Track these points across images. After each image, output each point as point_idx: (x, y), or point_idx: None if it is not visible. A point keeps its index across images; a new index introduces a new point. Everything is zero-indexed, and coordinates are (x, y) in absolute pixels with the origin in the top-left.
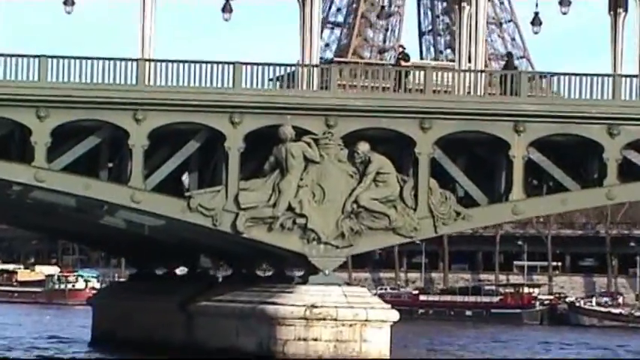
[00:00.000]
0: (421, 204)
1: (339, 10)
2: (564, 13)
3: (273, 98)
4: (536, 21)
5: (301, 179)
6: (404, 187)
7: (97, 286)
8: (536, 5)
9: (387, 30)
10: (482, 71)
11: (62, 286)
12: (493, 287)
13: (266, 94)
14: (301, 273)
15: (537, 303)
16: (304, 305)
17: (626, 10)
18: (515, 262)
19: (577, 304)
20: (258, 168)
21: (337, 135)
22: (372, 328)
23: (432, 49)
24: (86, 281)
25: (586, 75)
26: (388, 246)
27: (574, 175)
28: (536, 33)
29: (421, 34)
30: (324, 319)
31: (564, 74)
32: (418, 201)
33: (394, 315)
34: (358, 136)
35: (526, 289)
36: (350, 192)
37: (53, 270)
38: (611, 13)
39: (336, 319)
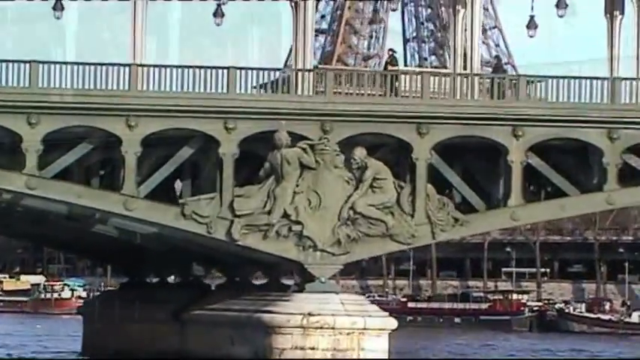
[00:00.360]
0: (419, 210)
1: (323, 17)
2: (561, 16)
3: (268, 103)
4: (531, 24)
5: (297, 186)
6: (401, 193)
7: (84, 295)
8: (532, 8)
9: (371, 37)
10: (479, 75)
11: (48, 296)
12: (481, 294)
13: (261, 100)
14: (297, 281)
15: (526, 310)
16: (301, 313)
17: (622, 13)
18: (503, 269)
19: (566, 311)
20: (252, 174)
21: (333, 140)
22: (370, 337)
23: (416, 55)
24: (72, 290)
25: (585, 78)
26: (385, 253)
27: (572, 181)
28: (531, 36)
29: (405, 41)
30: (322, 328)
31: (563, 77)
32: (415, 207)
33: (392, 323)
34: (354, 141)
35: (515, 296)
36: (346, 198)
37: (39, 279)
38: (607, 15)
39: (333, 328)
